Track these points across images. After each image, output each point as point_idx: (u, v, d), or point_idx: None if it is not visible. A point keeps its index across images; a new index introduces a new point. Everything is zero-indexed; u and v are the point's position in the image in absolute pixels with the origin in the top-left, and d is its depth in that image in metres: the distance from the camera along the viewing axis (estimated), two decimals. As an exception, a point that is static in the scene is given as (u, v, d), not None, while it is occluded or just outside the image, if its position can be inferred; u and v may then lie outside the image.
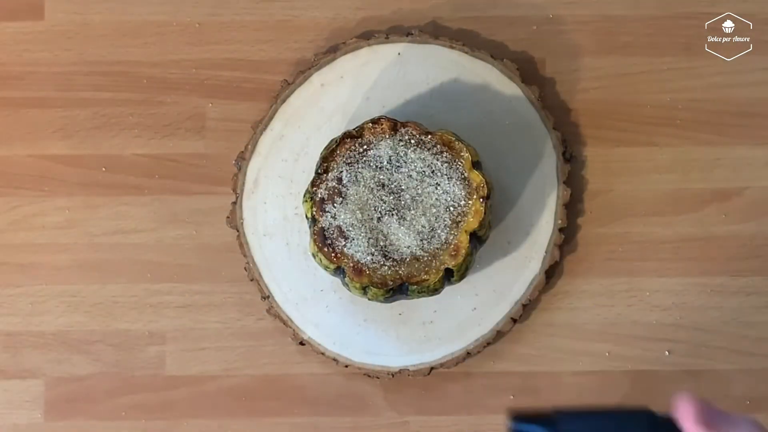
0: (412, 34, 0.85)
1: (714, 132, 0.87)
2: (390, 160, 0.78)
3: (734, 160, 0.86)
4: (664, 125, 0.87)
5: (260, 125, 0.85)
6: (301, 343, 0.84)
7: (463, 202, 0.77)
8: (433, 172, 0.78)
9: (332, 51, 0.85)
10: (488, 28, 0.87)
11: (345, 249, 0.77)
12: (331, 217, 0.78)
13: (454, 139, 0.79)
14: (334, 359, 0.84)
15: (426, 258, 0.77)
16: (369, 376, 0.84)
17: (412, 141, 0.78)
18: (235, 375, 0.86)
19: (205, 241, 0.86)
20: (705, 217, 0.86)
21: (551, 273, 0.84)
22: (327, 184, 0.78)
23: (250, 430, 0.86)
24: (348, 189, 0.78)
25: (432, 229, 0.77)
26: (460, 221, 0.77)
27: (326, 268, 0.78)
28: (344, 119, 0.85)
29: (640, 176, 0.86)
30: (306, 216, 0.79)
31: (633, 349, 0.85)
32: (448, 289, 0.80)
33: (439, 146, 0.78)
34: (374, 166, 0.78)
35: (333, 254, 0.77)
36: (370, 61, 0.85)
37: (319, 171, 0.78)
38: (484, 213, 0.77)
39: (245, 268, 0.85)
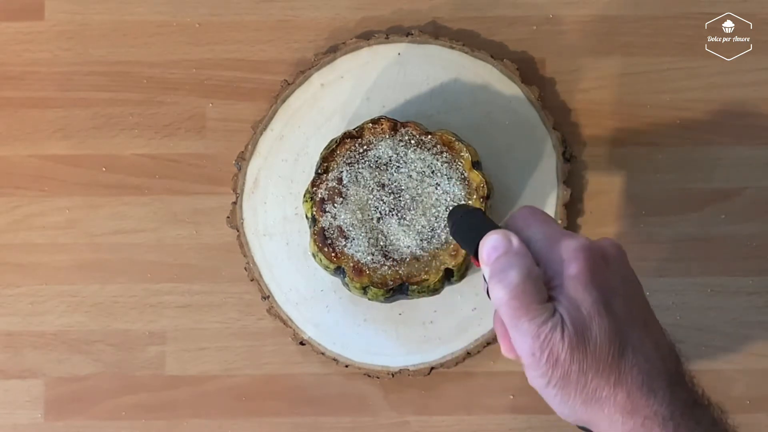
0: (412, 34, 0.85)
1: (714, 132, 0.87)
2: (390, 160, 0.78)
3: (734, 160, 0.86)
4: (664, 125, 0.87)
5: (260, 125, 0.85)
6: (301, 343, 0.84)
7: (463, 202, 0.77)
8: (433, 172, 0.78)
9: (332, 51, 0.85)
10: (488, 28, 0.87)
11: (345, 249, 0.77)
12: (332, 217, 0.78)
13: (454, 139, 0.79)
14: (334, 359, 0.84)
15: (426, 258, 0.77)
16: (369, 376, 0.84)
17: (412, 141, 0.78)
18: (235, 375, 0.86)
19: (205, 241, 0.86)
20: (705, 217, 0.86)
21: (551, 273, 0.84)
22: (327, 184, 0.78)
23: (250, 430, 0.86)
24: (348, 189, 0.78)
25: (432, 229, 0.77)
26: (460, 221, 0.77)
27: (326, 268, 0.78)
28: (344, 119, 0.85)
29: (640, 176, 0.86)
30: (306, 216, 0.79)
31: (633, 349, 0.85)
32: (448, 289, 0.80)
33: (439, 146, 0.78)
34: (374, 166, 0.78)
35: (333, 254, 0.77)
36: (370, 61, 0.85)
37: (319, 171, 0.79)
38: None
39: (245, 268, 0.85)
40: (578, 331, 0.57)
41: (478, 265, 0.62)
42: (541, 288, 0.58)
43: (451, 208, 0.75)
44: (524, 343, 0.58)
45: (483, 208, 0.77)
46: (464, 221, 0.67)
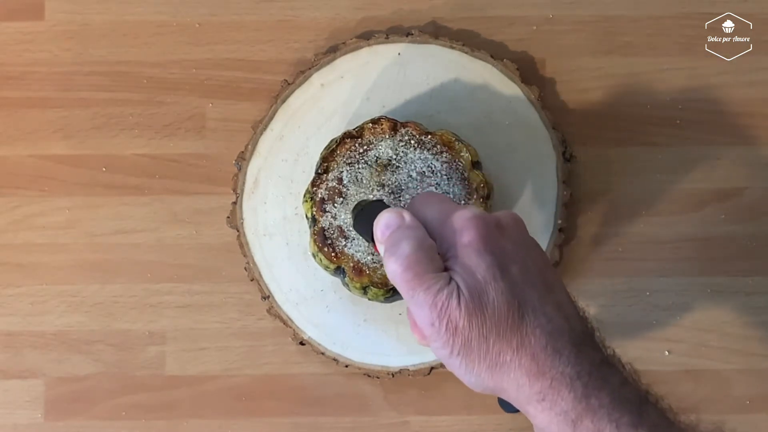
0: (412, 34, 0.85)
1: (714, 132, 0.87)
2: (390, 160, 0.78)
3: (734, 160, 0.86)
4: (664, 125, 0.87)
5: (260, 125, 0.85)
6: (301, 343, 0.84)
7: (463, 202, 0.77)
8: (433, 172, 0.78)
9: (332, 51, 0.85)
10: (488, 28, 0.87)
11: (345, 249, 0.77)
12: (332, 217, 0.78)
13: (454, 139, 0.79)
14: (334, 359, 0.84)
15: (426, 258, 0.77)
16: (369, 376, 0.84)
17: (412, 141, 0.78)
18: (235, 375, 0.86)
19: (205, 241, 0.86)
20: (705, 217, 0.86)
21: (551, 273, 0.84)
22: (327, 184, 0.78)
23: (250, 430, 0.86)
24: (348, 189, 0.78)
25: (432, 229, 0.77)
26: (460, 221, 0.77)
27: (326, 268, 0.78)
28: (344, 119, 0.85)
29: (640, 176, 0.86)
30: (306, 216, 0.79)
31: (633, 349, 0.85)
32: (448, 289, 0.80)
33: (439, 146, 0.78)
34: (374, 166, 0.78)
35: (333, 254, 0.77)
36: (370, 61, 0.85)
37: (319, 171, 0.79)
38: (484, 213, 0.77)
39: (245, 268, 0.85)
40: (474, 297, 0.57)
41: (377, 251, 0.62)
42: (435, 258, 0.59)
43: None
44: (422, 314, 0.58)
45: (484, 208, 0.77)
46: (363, 212, 0.68)
